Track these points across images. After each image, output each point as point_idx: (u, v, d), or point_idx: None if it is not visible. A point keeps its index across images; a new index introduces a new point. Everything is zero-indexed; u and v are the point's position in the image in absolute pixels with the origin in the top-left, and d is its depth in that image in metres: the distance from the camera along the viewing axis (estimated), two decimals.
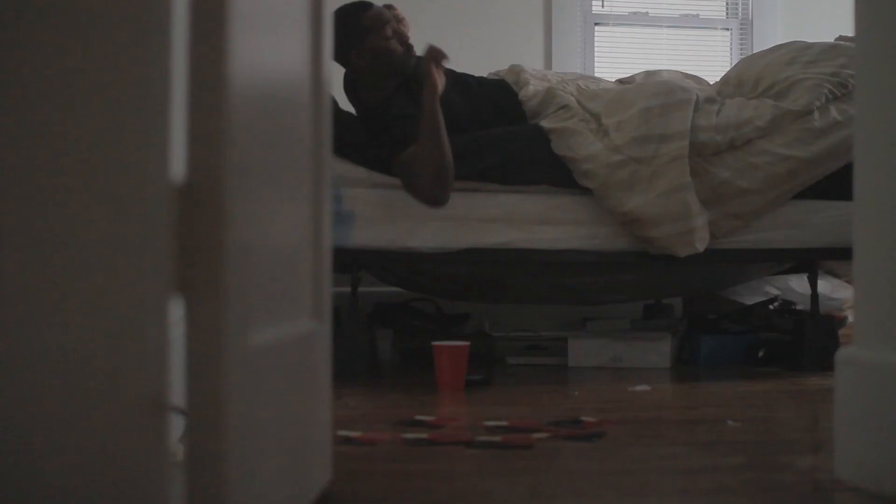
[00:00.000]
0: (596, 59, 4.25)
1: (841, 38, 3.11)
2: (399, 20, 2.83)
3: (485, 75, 3.17)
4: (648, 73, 3.26)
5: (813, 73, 2.84)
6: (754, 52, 4.34)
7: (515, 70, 3.07)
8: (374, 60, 2.78)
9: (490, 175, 2.77)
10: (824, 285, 3.31)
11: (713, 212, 2.76)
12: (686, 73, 3.28)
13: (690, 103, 2.76)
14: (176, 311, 0.80)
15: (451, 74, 2.93)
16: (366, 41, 2.77)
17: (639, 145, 2.71)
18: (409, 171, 2.66)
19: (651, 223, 2.70)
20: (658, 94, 2.80)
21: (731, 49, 4.37)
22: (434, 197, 2.64)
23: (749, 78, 3.03)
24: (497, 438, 1.68)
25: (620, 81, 3.27)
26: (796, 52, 2.98)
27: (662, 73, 3.22)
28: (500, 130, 2.83)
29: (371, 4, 2.81)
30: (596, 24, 4.30)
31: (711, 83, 3.25)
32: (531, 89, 2.95)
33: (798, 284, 3.39)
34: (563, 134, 2.77)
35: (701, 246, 2.73)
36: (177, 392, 0.81)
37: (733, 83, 3.09)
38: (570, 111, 2.83)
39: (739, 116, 2.78)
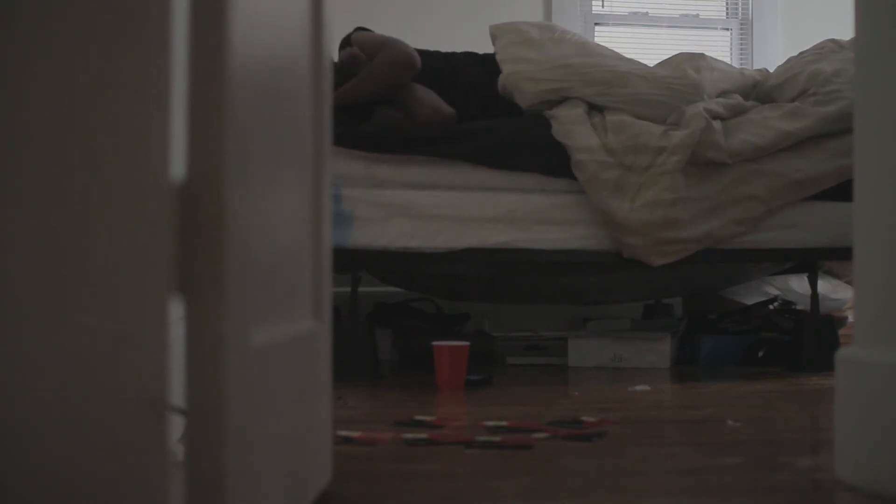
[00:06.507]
0: None
1: None
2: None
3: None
4: (692, 58, 3.16)
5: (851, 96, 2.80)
6: (754, 51, 4.35)
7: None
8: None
9: (478, 158, 2.76)
10: (824, 285, 3.31)
11: (715, 220, 2.74)
12: (735, 66, 3.21)
13: (700, 118, 2.72)
14: (176, 311, 0.80)
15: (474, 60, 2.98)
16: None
17: (633, 154, 2.70)
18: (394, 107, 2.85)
19: (629, 231, 2.69)
20: (671, 113, 2.78)
21: (731, 49, 4.37)
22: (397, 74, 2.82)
23: (795, 80, 2.96)
24: (497, 438, 1.68)
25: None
26: (847, 64, 2.93)
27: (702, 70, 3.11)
28: (502, 121, 2.83)
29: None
30: (596, 24, 4.30)
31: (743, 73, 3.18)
32: (529, 99, 2.91)
33: (798, 284, 3.39)
34: (564, 121, 2.76)
35: (677, 256, 2.74)
36: (177, 392, 0.80)
37: (774, 82, 3.03)
38: (574, 101, 2.82)
39: (763, 139, 2.75)
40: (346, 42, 2.97)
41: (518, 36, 2.96)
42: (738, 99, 2.92)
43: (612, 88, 2.81)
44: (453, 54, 3.06)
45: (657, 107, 2.80)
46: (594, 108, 2.83)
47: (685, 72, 2.93)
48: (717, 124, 2.75)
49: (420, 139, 2.74)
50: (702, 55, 3.14)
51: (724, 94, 2.99)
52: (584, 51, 2.93)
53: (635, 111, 2.80)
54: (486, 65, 3.00)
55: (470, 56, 3.06)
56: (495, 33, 3.03)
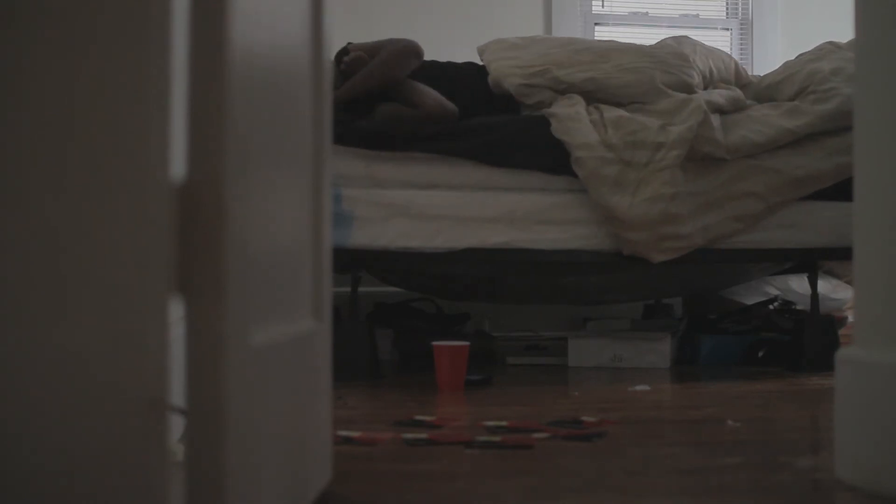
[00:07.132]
0: None
1: None
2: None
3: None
4: (678, 40, 3.17)
5: (849, 93, 2.80)
6: (754, 51, 4.34)
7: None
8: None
9: (479, 155, 2.76)
10: (824, 285, 3.31)
11: (713, 215, 2.74)
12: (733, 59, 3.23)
13: (699, 112, 2.73)
14: (176, 311, 0.80)
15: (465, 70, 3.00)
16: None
17: (632, 150, 2.70)
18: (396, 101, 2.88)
19: (629, 226, 2.69)
20: (669, 111, 2.78)
21: (731, 49, 4.37)
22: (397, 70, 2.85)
23: (793, 79, 2.97)
24: (497, 438, 1.68)
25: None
26: (845, 63, 2.94)
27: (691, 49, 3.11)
28: (503, 119, 2.83)
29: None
30: (596, 24, 4.30)
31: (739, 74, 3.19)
32: (516, 81, 2.93)
33: (798, 284, 3.39)
34: (563, 118, 2.76)
35: (677, 253, 2.73)
36: (177, 392, 0.80)
37: (772, 81, 3.04)
38: (573, 99, 2.83)
39: (762, 136, 2.76)
40: (342, 54, 2.97)
41: (502, 44, 3.07)
42: (738, 93, 2.93)
43: (595, 66, 2.85)
44: (453, 63, 3.07)
45: (644, 73, 2.83)
46: (592, 105, 2.83)
47: (666, 43, 3.01)
48: (716, 119, 2.75)
49: (421, 135, 2.74)
50: (684, 36, 3.17)
51: (714, 76, 3.02)
52: (566, 42, 2.99)
53: (623, 81, 2.83)
54: (485, 74, 3.01)
55: (470, 66, 3.07)
56: (482, 49, 3.10)
